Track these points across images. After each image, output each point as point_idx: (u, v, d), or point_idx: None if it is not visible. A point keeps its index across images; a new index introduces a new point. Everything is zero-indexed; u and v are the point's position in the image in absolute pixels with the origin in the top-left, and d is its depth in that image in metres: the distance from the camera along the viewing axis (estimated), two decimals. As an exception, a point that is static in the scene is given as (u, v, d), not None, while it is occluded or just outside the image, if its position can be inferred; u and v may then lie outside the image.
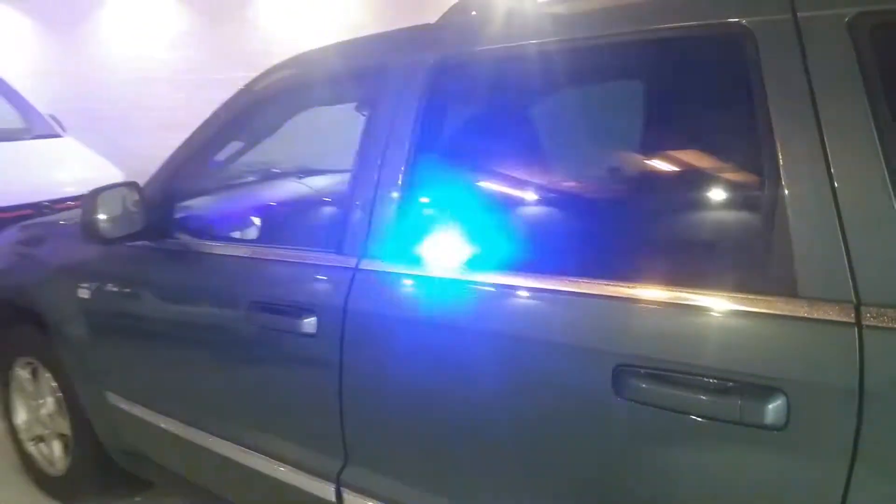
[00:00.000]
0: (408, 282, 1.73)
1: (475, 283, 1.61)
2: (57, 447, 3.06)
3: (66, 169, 5.41)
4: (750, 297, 1.25)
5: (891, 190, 1.14)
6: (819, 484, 1.17)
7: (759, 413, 1.20)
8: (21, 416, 3.21)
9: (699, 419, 1.27)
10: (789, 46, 1.25)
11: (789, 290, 1.21)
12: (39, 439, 3.15)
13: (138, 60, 6.44)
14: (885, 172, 1.15)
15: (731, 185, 1.46)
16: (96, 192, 2.23)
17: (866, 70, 1.18)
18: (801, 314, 1.19)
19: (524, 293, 1.52)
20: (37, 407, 3.10)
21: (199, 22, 6.20)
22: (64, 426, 2.97)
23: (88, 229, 2.24)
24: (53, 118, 5.93)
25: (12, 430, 3.28)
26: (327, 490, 1.89)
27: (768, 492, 1.22)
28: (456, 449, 1.65)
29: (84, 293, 2.61)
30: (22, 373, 3.13)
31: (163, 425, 2.42)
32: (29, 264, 2.97)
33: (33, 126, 5.76)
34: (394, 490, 1.78)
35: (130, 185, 2.30)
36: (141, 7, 6.55)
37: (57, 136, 5.77)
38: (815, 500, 1.17)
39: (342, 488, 1.87)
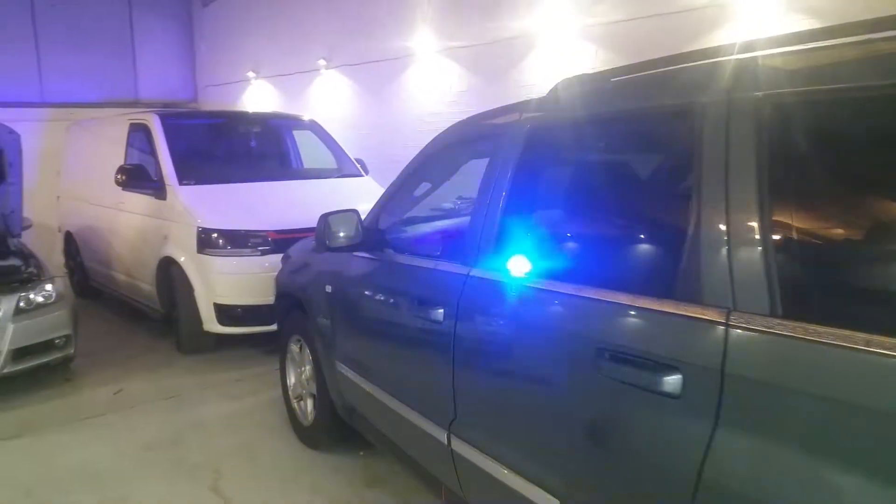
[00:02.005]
0: (499, 286, 2.40)
1: (538, 287, 2.24)
2: (309, 404, 4.19)
3: (363, 201, 6.79)
4: (671, 301, 1.74)
5: (759, 234, 1.57)
6: (697, 434, 1.62)
7: (665, 385, 1.69)
8: (291, 380, 4.41)
9: (630, 386, 1.78)
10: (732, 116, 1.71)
11: (698, 298, 1.69)
12: (299, 398, 4.31)
13: (427, 115, 7.84)
14: (763, 219, 1.58)
15: (669, 224, 1.93)
16: (327, 216, 3.25)
17: (762, 133, 1.62)
18: (697, 315, 1.67)
19: (553, 296, 2.14)
20: (300, 373, 4.26)
21: (476, 82, 7.39)
22: (313, 388, 4.06)
23: (320, 241, 3.27)
24: (360, 161, 7.44)
25: (285, 392, 4.49)
26: (442, 434, 2.63)
27: (669, 438, 1.70)
28: (518, 406, 2.29)
29: (328, 288, 3.66)
30: (294, 347, 4.32)
31: (365, 387, 3.35)
32: (300, 268, 4.14)
33: (343, 167, 7.33)
34: (482, 438, 2.46)
35: (353, 211, 3.29)
36: (432, 72, 7.98)
37: (360, 175, 7.25)
38: (694, 445, 1.61)
39: (451, 434, 2.59)
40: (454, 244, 2.79)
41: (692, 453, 1.60)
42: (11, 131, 5.86)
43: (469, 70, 7.52)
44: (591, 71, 2.38)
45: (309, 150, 7.72)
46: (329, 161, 7.43)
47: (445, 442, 2.63)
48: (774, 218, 1.57)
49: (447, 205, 3.82)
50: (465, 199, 3.83)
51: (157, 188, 6.34)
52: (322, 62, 9.63)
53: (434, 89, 7.96)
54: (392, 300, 3.07)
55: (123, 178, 6.57)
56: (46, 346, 5.30)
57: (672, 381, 1.67)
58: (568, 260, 2.29)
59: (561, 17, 6.42)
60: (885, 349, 1.29)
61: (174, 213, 6.07)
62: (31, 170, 6.07)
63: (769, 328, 1.50)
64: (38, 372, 5.34)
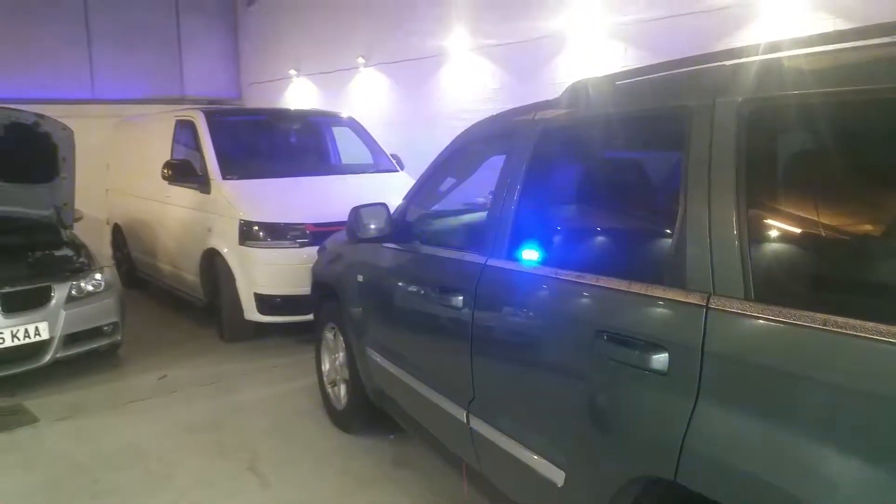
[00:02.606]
0: (512, 274, 2.59)
1: (545, 275, 2.42)
2: (342, 389, 4.42)
3: (397, 195, 7.00)
4: (660, 287, 1.92)
5: (736, 228, 1.74)
6: (681, 407, 1.78)
7: (654, 363, 1.86)
8: (325, 366, 4.65)
9: (624, 364, 1.96)
10: (714, 119, 1.88)
11: (683, 283, 1.86)
12: (333, 383, 4.55)
13: (461, 111, 8.03)
14: (740, 213, 1.75)
15: (660, 216, 2.09)
16: (358, 208, 3.47)
17: (741, 135, 1.78)
18: (681, 299, 1.84)
19: (558, 282, 2.32)
20: (334, 359, 4.50)
21: (508, 80, 7.56)
22: (346, 373, 4.30)
23: (351, 233, 3.49)
24: (395, 157, 7.67)
25: (320, 377, 4.73)
26: (462, 413, 2.83)
27: (658, 411, 1.87)
28: (528, 385, 2.48)
29: (360, 277, 3.88)
30: (328, 334, 4.56)
31: (392, 371, 3.56)
32: (334, 258, 4.37)
33: (379, 162, 7.57)
34: (497, 416, 2.65)
35: (382, 205, 3.50)
36: (466, 70, 8.18)
37: (395, 171, 7.47)
38: (678, 417, 1.78)
39: (470, 413, 2.79)
40: (474, 236, 2.99)
41: (677, 424, 1.77)
42: (65, 127, 6.19)
43: (502, 68, 7.70)
44: (605, 73, 2.55)
45: (347, 146, 7.97)
46: (366, 157, 7.68)
47: (465, 420, 2.83)
48: (750, 213, 1.74)
49: (480, 199, 4.01)
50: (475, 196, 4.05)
51: (201, 182, 6.65)
52: (361, 60, 9.90)
53: (468, 87, 8.15)
54: (417, 288, 3.28)
55: (170, 172, 6.89)
56: (95, 332, 5.64)
57: (660, 360, 1.85)
58: (572, 250, 2.47)
59: (591, 16, 6.57)
60: (838, 328, 1.45)
61: (218, 207, 6.37)
62: (82, 164, 6.39)
63: (743, 310, 1.67)
64: (88, 357, 5.68)
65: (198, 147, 6.89)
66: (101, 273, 5.81)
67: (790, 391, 1.55)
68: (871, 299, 1.54)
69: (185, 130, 7.27)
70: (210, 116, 7.11)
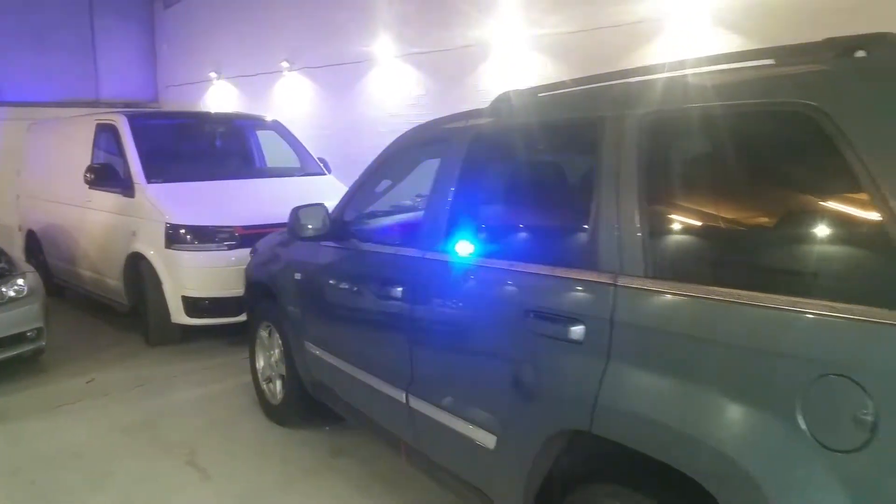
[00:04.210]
0: (448, 265, 2.94)
1: (478, 265, 2.78)
2: (278, 384, 4.68)
3: (325, 198, 7.22)
4: (576, 269, 2.30)
5: (638, 219, 2.13)
6: (595, 369, 2.16)
7: (573, 334, 2.24)
8: (260, 363, 4.89)
9: (549, 338, 2.33)
10: (620, 129, 2.28)
11: (595, 266, 2.24)
12: (269, 380, 4.80)
13: (387, 117, 8.38)
14: (641, 206, 2.15)
15: (578, 211, 2.47)
16: (298, 209, 3.76)
17: (642, 142, 2.19)
18: (594, 279, 2.23)
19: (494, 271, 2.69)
20: (269, 356, 4.75)
21: (434, 87, 7.95)
22: (282, 369, 4.56)
23: (292, 232, 3.78)
24: (322, 161, 7.93)
25: (254, 375, 4.97)
26: (402, 395, 3.16)
27: (576, 375, 2.24)
28: (464, 363, 2.83)
29: (298, 276, 4.16)
30: (263, 333, 4.81)
31: (332, 362, 3.86)
32: (269, 259, 4.63)
33: (306, 166, 7.82)
34: (435, 394, 2.99)
35: (320, 205, 3.80)
36: (393, 76, 8.53)
37: (322, 174, 7.73)
38: (592, 378, 2.16)
39: (409, 395, 3.12)
40: (411, 232, 3.32)
41: (592, 384, 2.15)
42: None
43: (427, 75, 8.09)
44: (528, 85, 2.93)
45: (273, 150, 8.18)
46: (292, 160, 7.91)
47: (405, 401, 3.15)
48: (648, 207, 2.15)
49: (407, 202, 4.34)
50: (423, 196, 4.39)
51: (125, 186, 6.75)
52: (285, 64, 10.11)
53: (394, 93, 8.51)
54: (357, 283, 3.59)
55: (92, 177, 6.97)
56: (18, 338, 5.68)
57: (577, 331, 2.23)
58: (502, 242, 2.85)
59: (512, 28, 7.03)
60: (716, 296, 1.87)
61: (142, 211, 6.49)
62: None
63: (643, 286, 2.07)
64: (11, 364, 5.71)
65: (120, 151, 6.99)
66: (24, 278, 5.86)
67: (680, 349, 1.96)
68: (741, 272, 1.97)
69: (106, 134, 7.35)
70: (133, 120, 7.22)
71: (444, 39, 7.76)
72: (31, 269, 6.36)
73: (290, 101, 10.24)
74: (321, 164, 7.87)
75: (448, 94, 7.70)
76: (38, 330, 5.82)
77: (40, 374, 5.97)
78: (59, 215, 8.02)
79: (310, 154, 7.97)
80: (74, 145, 7.75)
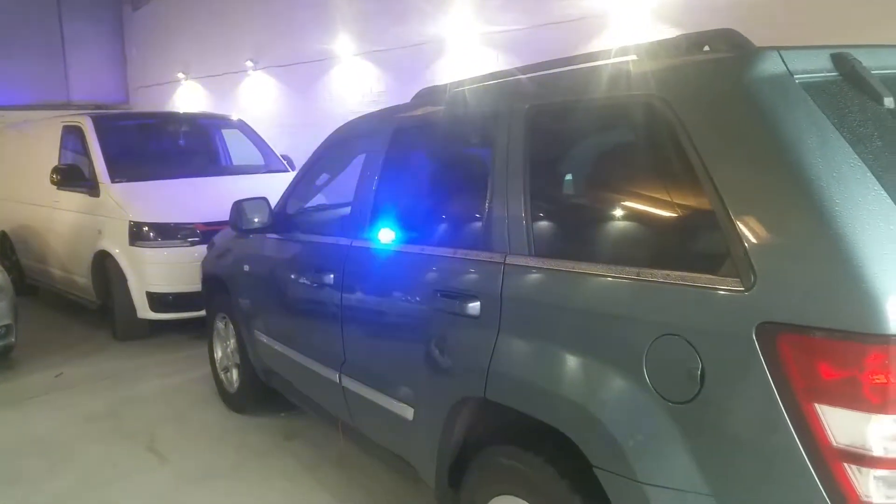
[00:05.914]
0: (372, 252, 3.14)
1: (398, 250, 2.98)
2: (234, 373, 4.87)
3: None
4: (474, 251, 2.51)
5: (524, 205, 2.34)
6: (488, 341, 2.37)
7: (471, 310, 2.45)
8: (218, 354, 5.07)
9: (452, 314, 2.54)
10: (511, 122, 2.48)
11: (489, 247, 2.45)
12: (226, 369, 4.98)
13: (349, 113, 8.50)
14: (526, 192, 2.35)
15: (478, 197, 2.67)
16: (240, 202, 3.94)
17: (528, 133, 2.39)
18: (487, 259, 2.44)
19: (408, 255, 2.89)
20: (226, 347, 4.94)
21: (393, 83, 8.16)
22: (237, 358, 4.74)
23: (233, 226, 3.96)
24: (286, 157, 8.10)
25: (213, 365, 5.15)
26: (336, 375, 3.36)
27: (474, 346, 2.44)
28: (385, 342, 3.04)
29: (246, 267, 4.35)
30: (219, 324, 4.99)
31: (277, 348, 4.05)
32: (223, 252, 4.82)
33: (269, 163, 7.99)
34: (363, 373, 3.19)
35: (263, 199, 3.99)
36: (353, 74, 8.72)
37: (286, 171, 7.89)
38: (486, 348, 2.36)
39: (342, 374, 3.33)
40: (342, 222, 3.53)
41: (486, 354, 2.36)
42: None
43: (387, 72, 8.28)
44: (447, 81, 3.13)
45: (237, 148, 8.34)
46: (256, 158, 8.08)
47: (338, 381, 3.35)
48: (532, 193, 2.36)
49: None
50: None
51: (90, 186, 6.91)
52: (249, 63, 10.27)
53: (356, 90, 8.70)
54: (297, 272, 3.79)
55: (58, 177, 7.12)
56: (-13, 335, 5.84)
57: (474, 307, 2.43)
58: (417, 228, 3.05)
59: (466, 25, 7.23)
60: (574, 269, 2.08)
61: (107, 209, 6.65)
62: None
63: (527, 264, 2.28)
64: (-20, 360, 5.88)
65: (86, 151, 7.14)
66: (-9, 276, 6.00)
67: (550, 318, 2.18)
68: (601, 248, 2.23)
69: (72, 136, 7.50)
70: (97, 121, 7.37)
71: (401, 37, 7.95)
72: (0, 268, 6.49)
73: (255, 99, 10.41)
74: (284, 162, 8.04)
75: (407, 90, 7.80)
76: (7, 327, 5.95)
77: (9, 370, 6.11)
78: (29, 216, 8.15)
79: (273, 151, 8.13)
80: (42, 147, 7.89)
